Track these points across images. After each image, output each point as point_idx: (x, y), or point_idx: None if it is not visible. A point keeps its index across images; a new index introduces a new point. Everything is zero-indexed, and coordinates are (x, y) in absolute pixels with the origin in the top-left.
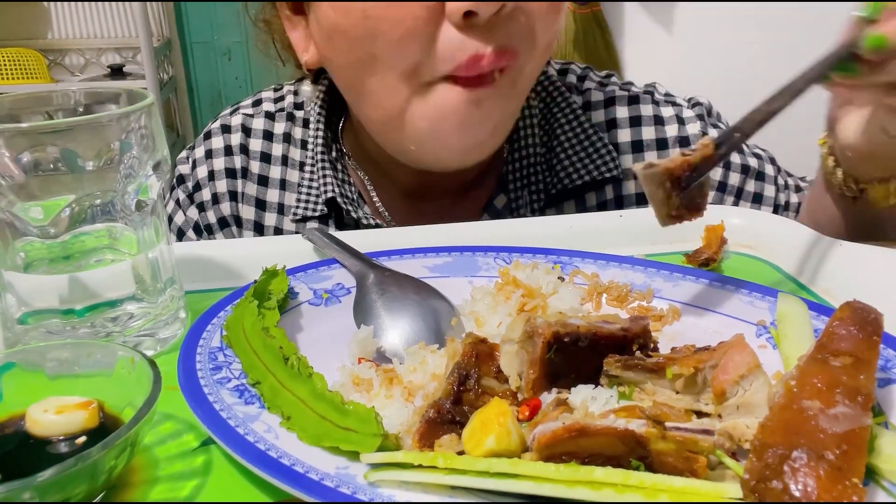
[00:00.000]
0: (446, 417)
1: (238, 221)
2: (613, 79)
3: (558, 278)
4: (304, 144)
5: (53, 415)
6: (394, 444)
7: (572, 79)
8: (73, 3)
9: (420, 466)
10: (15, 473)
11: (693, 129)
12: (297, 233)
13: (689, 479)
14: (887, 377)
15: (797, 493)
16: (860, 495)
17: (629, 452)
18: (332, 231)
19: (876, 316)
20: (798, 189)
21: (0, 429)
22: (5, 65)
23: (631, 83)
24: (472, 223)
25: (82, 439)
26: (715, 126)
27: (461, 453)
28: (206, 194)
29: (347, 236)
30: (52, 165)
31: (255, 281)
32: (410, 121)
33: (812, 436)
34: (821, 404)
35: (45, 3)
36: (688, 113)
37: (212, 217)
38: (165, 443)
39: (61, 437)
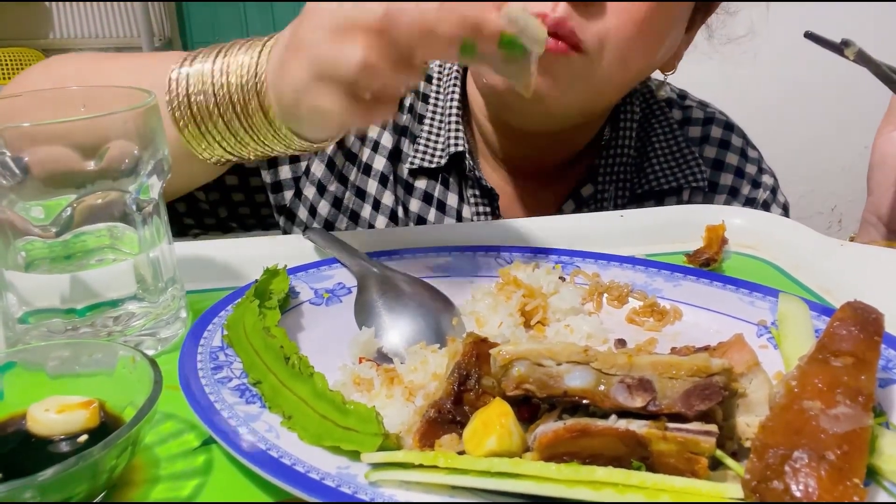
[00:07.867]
0: (447, 417)
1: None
2: (711, 105)
3: (559, 278)
4: (425, 98)
5: (54, 414)
6: (394, 444)
7: (672, 95)
8: (74, 3)
9: (421, 466)
10: (16, 473)
11: (768, 180)
12: (304, 233)
13: (690, 480)
14: (888, 377)
15: (798, 494)
16: (861, 496)
17: (630, 453)
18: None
19: (877, 316)
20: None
21: (1, 428)
22: (6, 65)
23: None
24: (471, 223)
25: (83, 438)
26: (779, 204)
27: (462, 453)
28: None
29: (348, 236)
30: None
31: (257, 280)
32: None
33: (813, 436)
34: (822, 404)
35: (47, 3)
36: (766, 167)
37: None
38: (166, 442)
39: (62, 437)
